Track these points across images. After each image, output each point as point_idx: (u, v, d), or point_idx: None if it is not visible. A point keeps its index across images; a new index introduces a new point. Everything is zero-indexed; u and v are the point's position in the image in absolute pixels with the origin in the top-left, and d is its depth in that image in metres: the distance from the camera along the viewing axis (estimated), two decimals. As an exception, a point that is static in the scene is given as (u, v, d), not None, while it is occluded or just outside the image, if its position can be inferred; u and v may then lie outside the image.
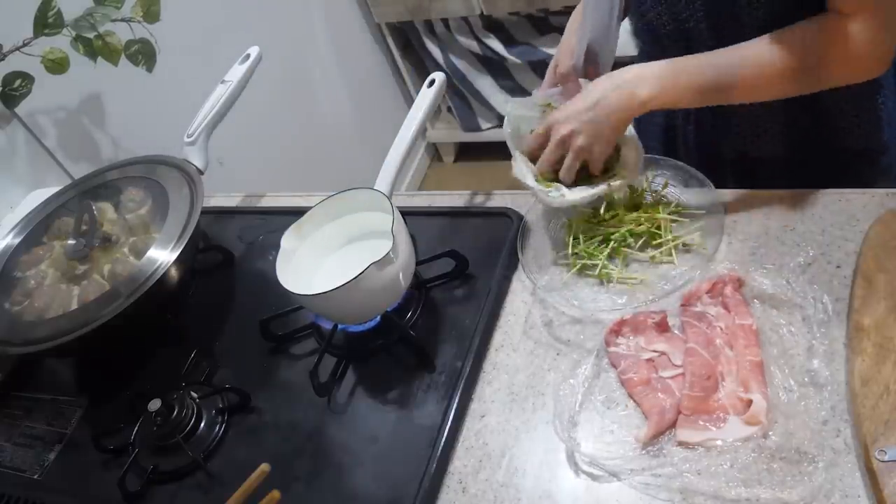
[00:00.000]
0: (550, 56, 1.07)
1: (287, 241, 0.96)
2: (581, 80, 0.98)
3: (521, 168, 0.94)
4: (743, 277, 0.84)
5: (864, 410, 0.68)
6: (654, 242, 0.91)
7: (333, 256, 1.01)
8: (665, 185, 0.96)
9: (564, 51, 1.05)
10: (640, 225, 0.92)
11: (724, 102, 0.93)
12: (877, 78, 0.89)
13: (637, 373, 0.80)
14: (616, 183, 0.91)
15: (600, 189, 0.90)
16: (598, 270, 0.90)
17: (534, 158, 0.94)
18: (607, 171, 0.93)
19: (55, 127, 1.58)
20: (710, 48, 0.94)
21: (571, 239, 0.94)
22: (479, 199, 1.11)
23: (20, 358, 1.11)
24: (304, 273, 0.97)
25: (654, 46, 1.03)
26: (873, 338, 0.73)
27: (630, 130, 0.96)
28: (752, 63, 0.84)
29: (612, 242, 0.91)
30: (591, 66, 0.99)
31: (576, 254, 0.93)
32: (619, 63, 0.95)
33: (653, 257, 0.90)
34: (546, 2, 2.29)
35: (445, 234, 1.07)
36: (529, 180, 0.93)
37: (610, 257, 0.91)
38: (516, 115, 0.98)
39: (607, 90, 0.88)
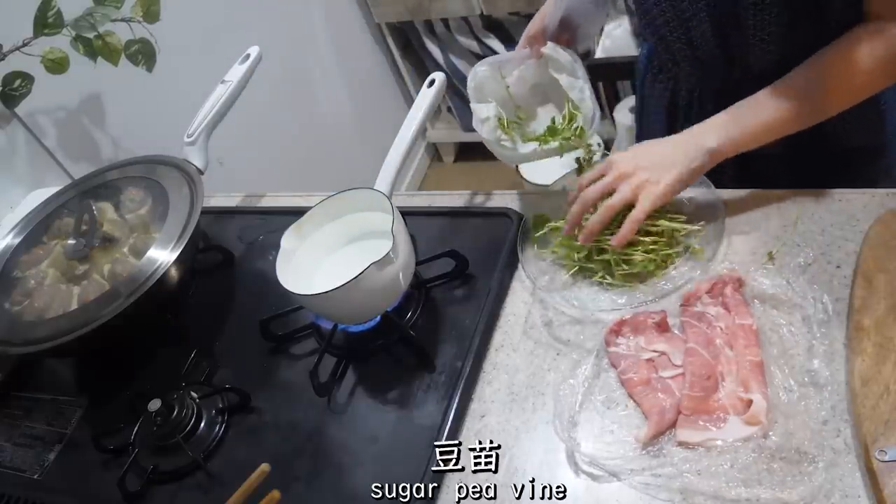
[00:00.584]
0: (550, 56, 1.07)
1: (287, 241, 0.96)
2: (549, 44, 0.98)
3: (480, 117, 0.96)
4: (743, 277, 0.84)
5: (864, 410, 0.68)
6: (654, 243, 0.91)
7: (333, 256, 1.01)
8: None
9: (539, 15, 1.04)
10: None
11: (813, 123, 0.89)
12: None
13: (637, 373, 0.80)
14: (570, 140, 0.94)
15: (554, 146, 0.94)
16: (595, 275, 0.90)
17: (573, 201, 0.91)
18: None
19: (55, 127, 1.58)
20: (713, 47, 0.94)
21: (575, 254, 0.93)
22: (479, 199, 1.11)
23: (20, 358, 1.11)
24: (304, 273, 0.97)
25: (657, 44, 1.03)
26: (873, 338, 0.73)
27: (586, 93, 0.98)
28: (827, 81, 0.84)
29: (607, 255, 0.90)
30: (568, 35, 0.99)
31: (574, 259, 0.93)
32: (621, 64, 0.95)
33: (653, 259, 0.90)
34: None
35: (445, 234, 1.07)
36: (485, 131, 0.96)
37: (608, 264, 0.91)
38: (483, 75, 0.99)
39: (673, 144, 0.88)
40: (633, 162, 0.87)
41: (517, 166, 2.24)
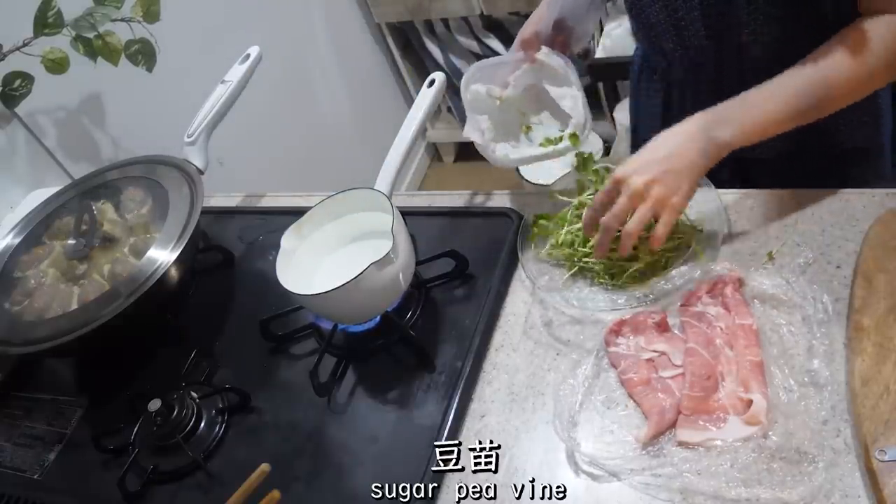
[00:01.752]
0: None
1: (287, 241, 0.96)
2: (543, 49, 0.98)
3: (476, 127, 0.97)
4: (743, 277, 0.84)
5: (864, 410, 0.68)
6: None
7: (333, 256, 1.01)
8: None
9: (532, 18, 1.04)
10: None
11: (818, 118, 0.85)
12: None
13: (637, 373, 0.80)
14: (562, 145, 0.95)
15: (547, 150, 0.95)
16: (594, 275, 0.90)
17: (591, 226, 0.87)
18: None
19: (55, 127, 1.58)
20: (706, 48, 0.94)
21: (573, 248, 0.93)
22: (479, 199, 1.11)
23: (20, 358, 1.11)
24: (304, 273, 0.97)
25: (650, 46, 1.03)
26: (873, 338, 0.73)
27: (578, 102, 0.98)
28: (835, 72, 0.80)
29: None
30: (563, 36, 0.98)
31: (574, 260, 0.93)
32: (620, 63, 0.96)
33: (655, 261, 0.90)
34: (546, 2, 2.29)
35: (445, 234, 1.07)
36: (476, 137, 0.97)
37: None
38: (475, 92, 1.01)
39: (681, 141, 0.81)
40: (643, 176, 0.80)
41: (517, 167, 2.24)
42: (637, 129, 1.21)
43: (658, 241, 0.82)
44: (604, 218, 0.83)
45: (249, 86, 1.22)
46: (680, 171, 0.80)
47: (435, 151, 3.04)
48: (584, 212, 0.87)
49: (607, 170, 0.96)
